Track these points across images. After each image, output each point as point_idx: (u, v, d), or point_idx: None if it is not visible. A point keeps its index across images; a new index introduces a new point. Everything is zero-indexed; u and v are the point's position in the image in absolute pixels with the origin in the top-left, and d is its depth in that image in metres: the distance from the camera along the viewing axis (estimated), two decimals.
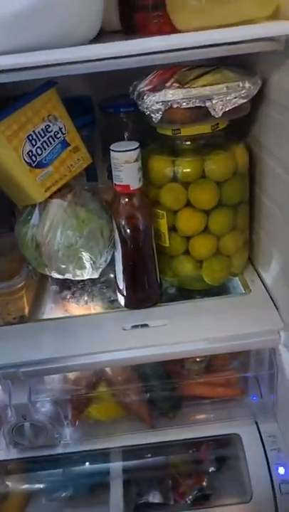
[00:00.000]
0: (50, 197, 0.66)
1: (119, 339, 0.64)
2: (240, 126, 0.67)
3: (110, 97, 0.80)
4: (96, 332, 0.66)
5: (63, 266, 0.66)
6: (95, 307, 0.73)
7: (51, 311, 0.73)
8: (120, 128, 0.80)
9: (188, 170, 0.64)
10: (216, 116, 0.58)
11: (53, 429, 0.70)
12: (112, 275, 0.74)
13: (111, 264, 0.72)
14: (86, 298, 0.75)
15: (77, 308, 0.73)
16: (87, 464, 0.73)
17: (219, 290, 0.73)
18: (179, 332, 0.65)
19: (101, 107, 0.79)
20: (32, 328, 0.68)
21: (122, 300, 0.70)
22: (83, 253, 0.65)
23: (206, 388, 0.75)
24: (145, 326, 0.66)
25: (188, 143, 0.64)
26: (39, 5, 0.46)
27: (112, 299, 0.74)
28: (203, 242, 0.68)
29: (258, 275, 0.73)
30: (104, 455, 0.72)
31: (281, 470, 0.67)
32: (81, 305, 0.74)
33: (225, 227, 0.67)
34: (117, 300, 0.72)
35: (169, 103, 0.58)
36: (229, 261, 0.70)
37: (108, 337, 0.65)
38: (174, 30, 0.57)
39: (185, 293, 0.73)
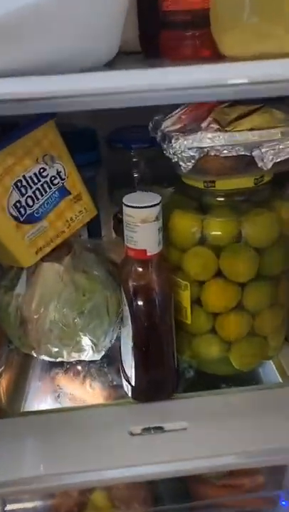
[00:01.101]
0: (42, 259, 0.51)
1: (125, 450, 0.49)
2: (282, 176, 0.54)
3: (119, 130, 0.66)
4: (94, 438, 0.50)
5: (56, 349, 0.51)
6: (92, 395, 0.58)
7: (36, 396, 0.58)
8: (130, 167, 0.66)
9: (219, 232, 0.50)
10: (264, 169, 0.45)
11: None
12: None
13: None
14: (81, 379, 0.60)
15: (69, 394, 0.58)
16: None
17: (248, 376, 0.59)
18: (202, 441, 0.50)
19: (108, 142, 0.65)
20: (10, 428, 0.52)
21: (129, 390, 0.55)
22: (83, 336, 0.50)
23: (227, 495, 0.60)
24: (159, 429, 0.51)
25: (222, 198, 0.51)
26: (32, 11, 0.31)
27: (114, 383, 0.59)
28: (235, 320, 0.53)
29: None
30: None
31: None
32: (75, 390, 0.59)
33: (263, 303, 0.53)
34: (121, 386, 0.57)
35: (206, 150, 0.44)
36: (264, 342, 0.56)
37: (111, 447, 0.49)
38: (213, 55, 0.44)
39: (206, 378, 0.58)
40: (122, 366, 0.57)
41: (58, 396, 0.57)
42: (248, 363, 0.57)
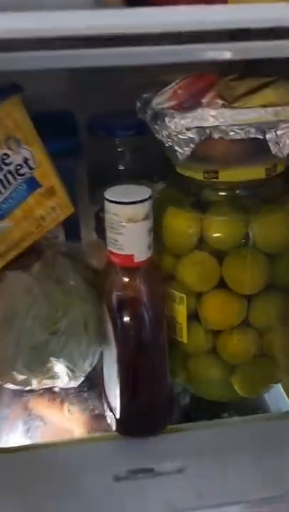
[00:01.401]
0: (6, 266, 0.42)
1: (108, 499, 0.40)
2: None
3: (101, 115, 0.57)
4: (71, 483, 0.41)
5: (22, 377, 0.42)
6: (70, 427, 0.49)
7: (4, 429, 0.49)
8: (114, 158, 0.57)
9: (221, 234, 0.42)
10: (280, 156, 0.36)
11: None
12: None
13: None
14: (58, 406, 0.51)
15: (42, 426, 0.49)
16: None
17: (252, 402, 0.50)
18: (201, 486, 0.41)
19: (88, 128, 0.56)
20: None
21: (113, 422, 0.46)
22: (55, 361, 0.41)
23: None
24: (149, 471, 0.43)
25: (226, 193, 0.42)
26: None
27: (96, 412, 0.50)
28: (240, 339, 0.45)
29: None
30: None
31: None
32: (49, 420, 0.49)
33: (273, 319, 0.45)
34: (103, 415, 0.48)
35: (208, 131, 0.35)
36: (273, 365, 0.48)
37: (91, 495, 0.40)
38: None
39: (203, 404, 0.50)
40: (105, 393, 0.48)
41: (29, 428, 0.48)
42: (255, 388, 0.49)
